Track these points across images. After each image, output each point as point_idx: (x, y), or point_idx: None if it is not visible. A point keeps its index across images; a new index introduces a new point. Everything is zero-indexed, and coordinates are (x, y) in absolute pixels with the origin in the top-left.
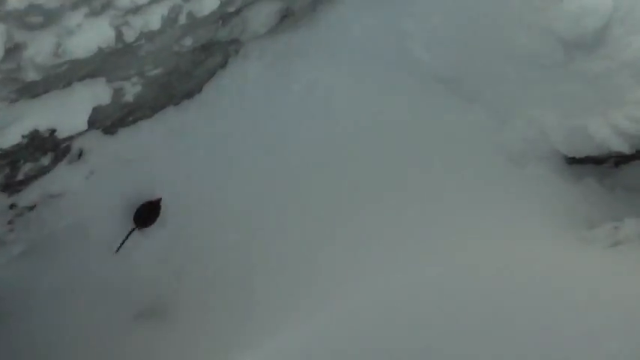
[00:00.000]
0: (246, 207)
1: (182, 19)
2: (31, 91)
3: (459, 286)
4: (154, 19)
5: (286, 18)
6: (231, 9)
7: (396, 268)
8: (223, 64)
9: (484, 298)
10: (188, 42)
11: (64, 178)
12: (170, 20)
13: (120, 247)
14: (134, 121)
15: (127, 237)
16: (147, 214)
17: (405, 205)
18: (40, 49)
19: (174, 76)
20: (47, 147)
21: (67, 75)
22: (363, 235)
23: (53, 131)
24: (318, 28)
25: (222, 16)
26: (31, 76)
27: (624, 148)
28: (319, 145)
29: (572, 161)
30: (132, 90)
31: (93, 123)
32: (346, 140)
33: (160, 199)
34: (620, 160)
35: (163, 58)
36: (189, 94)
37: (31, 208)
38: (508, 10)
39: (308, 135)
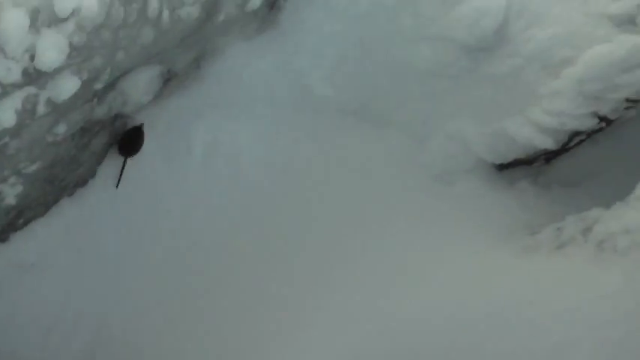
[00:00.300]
0: (162, 295)
1: (41, 109)
2: None
3: (412, 317)
4: (7, 115)
5: (170, 81)
6: (100, 85)
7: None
8: (112, 143)
9: (441, 331)
10: (61, 129)
11: None
12: (28, 112)
13: (119, 181)
14: (26, 223)
15: (122, 169)
16: (132, 141)
17: (336, 245)
18: None
19: (58, 166)
20: None
21: None
22: (292, 290)
23: None
24: (207, 85)
25: (95, 94)
26: None
27: (549, 144)
28: (231, 208)
29: (502, 167)
30: (12, 191)
31: None
32: (260, 196)
33: (142, 124)
34: (549, 155)
35: (38, 152)
36: (82, 182)
37: None
38: (400, 27)
39: (217, 199)
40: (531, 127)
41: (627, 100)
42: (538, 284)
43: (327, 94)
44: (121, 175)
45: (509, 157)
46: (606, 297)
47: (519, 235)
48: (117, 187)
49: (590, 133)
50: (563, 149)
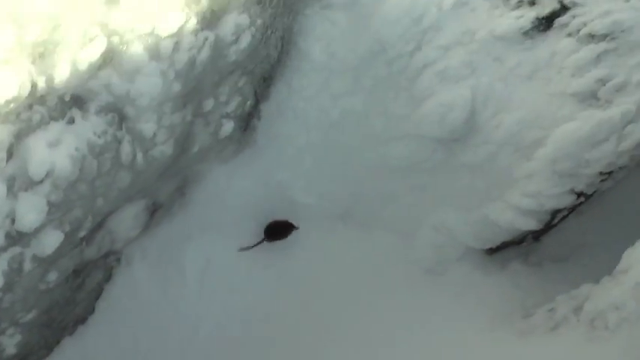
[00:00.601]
0: None
1: (28, 265)
2: None
3: None
4: None
5: (156, 211)
6: (84, 233)
7: None
8: (108, 278)
9: None
10: (53, 277)
11: None
12: (15, 270)
13: (246, 249)
14: None
15: (256, 244)
16: (278, 230)
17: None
18: None
19: (55, 310)
20: None
21: None
22: None
23: None
24: (193, 210)
25: (82, 239)
26: None
27: (532, 225)
28: (229, 330)
29: (492, 251)
30: (11, 342)
31: None
32: (257, 313)
33: (294, 225)
34: (537, 234)
35: (33, 301)
36: (82, 319)
37: None
38: (373, 130)
39: (214, 325)
40: (512, 211)
41: (601, 173)
42: None
43: (310, 202)
44: (252, 247)
45: (497, 241)
46: None
47: (514, 317)
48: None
49: (573, 208)
50: (549, 226)
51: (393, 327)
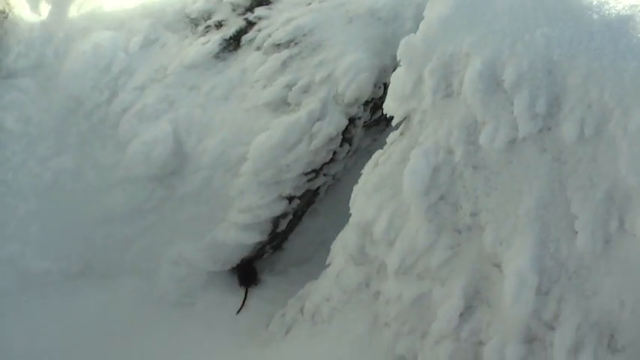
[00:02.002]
0: None
1: None
2: None
3: None
4: None
5: None
6: None
7: None
8: None
9: None
10: None
11: None
12: None
13: (240, 308)
14: None
15: (245, 298)
16: (246, 274)
17: None
18: None
19: None
20: None
21: None
22: None
23: None
24: None
25: None
26: None
27: (257, 238)
28: None
29: (237, 270)
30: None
31: None
32: None
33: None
34: (274, 242)
35: None
36: None
37: None
38: (88, 183)
39: None
40: (234, 229)
41: (305, 174)
42: None
43: (46, 267)
44: (243, 303)
45: (235, 260)
46: None
47: (260, 329)
48: (237, 313)
49: (297, 211)
50: (283, 234)
51: None
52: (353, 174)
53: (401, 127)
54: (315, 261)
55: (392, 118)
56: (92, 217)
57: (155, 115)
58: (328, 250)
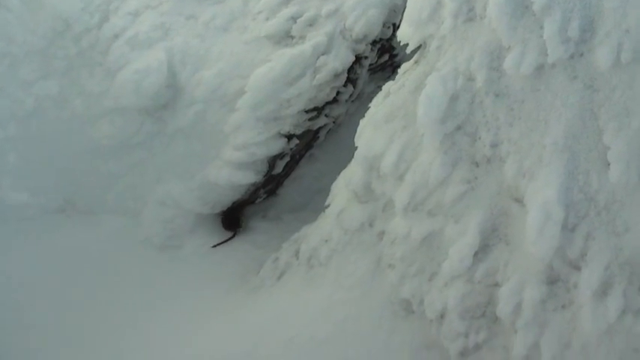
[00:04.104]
0: None
1: None
2: None
3: None
4: None
5: None
6: None
7: None
8: None
9: None
10: None
11: None
12: None
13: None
14: None
15: (227, 240)
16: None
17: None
18: None
19: None
20: None
21: None
22: None
23: None
24: None
25: None
26: None
27: (251, 178)
28: None
29: (227, 214)
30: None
31: None
32: None
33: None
34: (271, 188)
35: None
36: None
37: None
38: (73, 112)
39: None
40: (228, 167)
41: (306, 111)
42: (264, 321)
43: (23, 199)
44: (222, 243)
45: (226, 203)
46: (322, 314)
47: (249, 275)
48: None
49: (295, 153)
50: (278, 177)
51: (134, 308)
52: (354, 121)
53: (416, 54)
54: (311, 208)
55: (398, 66)
56: (75, 150)
57: (148, 43)
58: (325, 198)
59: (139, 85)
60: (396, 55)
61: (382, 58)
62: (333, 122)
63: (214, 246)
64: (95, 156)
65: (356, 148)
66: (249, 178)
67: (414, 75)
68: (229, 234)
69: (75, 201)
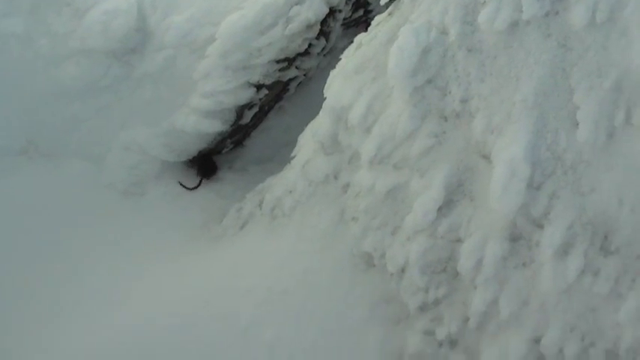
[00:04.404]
0: None
1: None
2: None
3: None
4: None
5: None
6: None
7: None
8: None
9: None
10: None
11: None
12: None
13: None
14: None
15: (199, 184)
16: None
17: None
18: None
19: None
20: None
21: None
22: None
23: None
24: None
25: None
26: None
27: (217, 127)
28: None
29: (193, 163)
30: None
31: None
32: None
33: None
34: (238, 138)
35: None
36: None
37: None
38: (38, 51)
39: None
40: (195, 115)
41: (277, 61)
42: (224, 270)
43: None
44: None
45: (192, 151)
46: (282, 265)
47: (212, 224)
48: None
49: (264, 104)
50: (246, 127)
51: (95, 255)
52: (325, 75)
53: (390, 6)
54: (277, 160)
55: (370, 22)
56: (39, 90)
57: None
58: (291, 151)
59: (107, 27)
60: (370, 12)
61: (357, 13)
62: (304, 75)
63: (188, 188)
64: (59, 98)
65: (325, 99)
66: (216, 126)
67: (386, 27)
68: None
69: (38, 143)
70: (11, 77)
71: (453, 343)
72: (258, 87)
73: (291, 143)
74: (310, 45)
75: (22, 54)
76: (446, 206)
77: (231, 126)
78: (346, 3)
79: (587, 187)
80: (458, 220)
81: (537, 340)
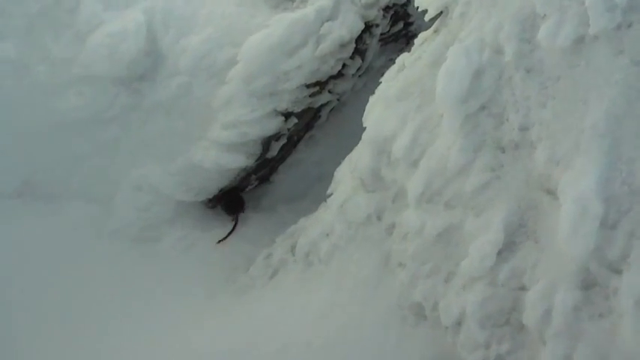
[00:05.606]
0: None
1: None
2: None
3: None
4: None
5: None
6: None
7: None
8: None
9: None
10: None
11: None
12: None
13: (226, 237)
14: None
15: (232, 229)
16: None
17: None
18: None
19: None
20: None
21: None
22: None
23: None
24: None
25: None
26: None
27: (241, 162)
28: None
29: (213, 202)
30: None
31: None
32: None
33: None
34: (263, 174)
35: None
36: None
37: None
38: (36, 79)
39: None
40: (215, 149)
41: (307, 86)
42: (251, 326)
43: None
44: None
45: (212, 190)
46: (319, 320)
47: (238, 273)
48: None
49: (293, 135)
50: (273, 161)
51: (101, 312)
52: (361, 99)
53: (436, 22)
54: (310, 198)
55: (414, 36)
56: (36, 124)
57: (125, 2)
58: (326, 187)
59: (113, 51)
60: (411, 24)
61: (396, 26)
62: (338, 100)
63: (220, 241)
64: (59, 132)
65: (364, 129)
66: (239, 161)
67: (432, 46)
68: (223, 224)
69: (34, 184)
70: (4, 109)
71: None
72: (287, 115)
73: (325, 178)
74: (344, 66)
75: (17, 83)
76: (507, 249)
77: (257, 160)
78: (384, 16)
79: None
80: (521, 266)
81: None
